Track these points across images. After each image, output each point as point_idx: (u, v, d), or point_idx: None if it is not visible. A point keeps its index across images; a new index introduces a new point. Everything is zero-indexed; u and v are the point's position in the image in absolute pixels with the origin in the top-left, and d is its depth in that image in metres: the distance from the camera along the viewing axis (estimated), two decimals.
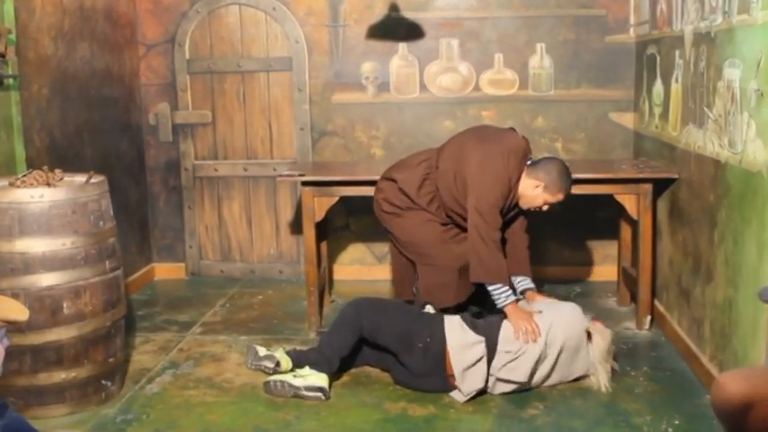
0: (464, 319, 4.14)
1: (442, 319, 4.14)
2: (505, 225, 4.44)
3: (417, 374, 4.10)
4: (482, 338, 4.03)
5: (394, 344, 4.11)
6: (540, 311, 4.15)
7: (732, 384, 2.19)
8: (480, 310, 4.25)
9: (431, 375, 4.06)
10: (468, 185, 4.31)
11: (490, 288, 4.24)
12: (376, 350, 4.25)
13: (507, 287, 4.25)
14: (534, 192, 4.33)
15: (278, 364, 4.14)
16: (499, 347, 4.02)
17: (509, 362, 4.01)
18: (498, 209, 4.27)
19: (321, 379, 4.08)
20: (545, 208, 4.41)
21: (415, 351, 4.06)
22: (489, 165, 4.28)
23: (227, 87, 6.22)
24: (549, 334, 4.03)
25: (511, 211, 4.43)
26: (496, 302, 4.24)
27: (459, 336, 4.04)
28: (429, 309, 4.38)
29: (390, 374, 4.26)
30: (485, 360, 4.01)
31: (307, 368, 4.11)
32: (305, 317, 5.20)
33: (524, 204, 4.40)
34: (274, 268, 6.39)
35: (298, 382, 4.07)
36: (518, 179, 4.33)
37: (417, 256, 4.55)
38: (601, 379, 4.10)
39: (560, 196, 4.35)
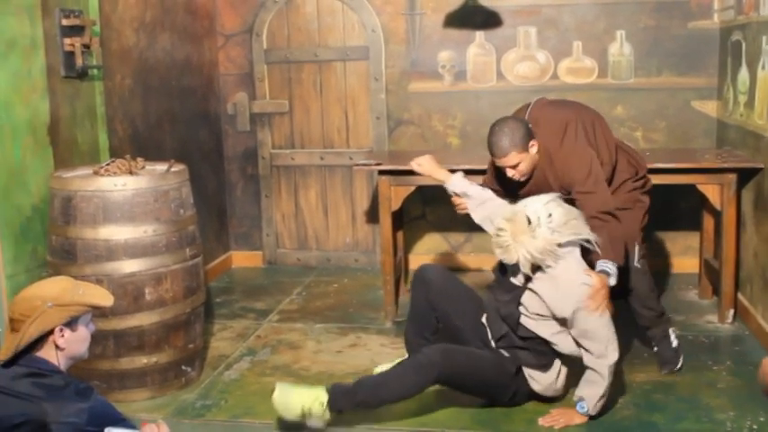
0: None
1: (523, 374, 3.78)
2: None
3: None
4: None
5: (477, 393, 3.84)
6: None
7: None
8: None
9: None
10: None
11: None
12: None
13: None
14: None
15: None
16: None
17: None
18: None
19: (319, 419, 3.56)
20: (510, 174, 3.94)
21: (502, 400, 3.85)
22: None
23: (303, 77, 6.25)
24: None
25: (523, 187, 4.08)
26: None
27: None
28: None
29: None
30: None
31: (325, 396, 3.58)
32: (380, 306, 5.21)
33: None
34: (350, 257, 6.42)
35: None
36: None
37: None
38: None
39: (493, 158, 3.95)
